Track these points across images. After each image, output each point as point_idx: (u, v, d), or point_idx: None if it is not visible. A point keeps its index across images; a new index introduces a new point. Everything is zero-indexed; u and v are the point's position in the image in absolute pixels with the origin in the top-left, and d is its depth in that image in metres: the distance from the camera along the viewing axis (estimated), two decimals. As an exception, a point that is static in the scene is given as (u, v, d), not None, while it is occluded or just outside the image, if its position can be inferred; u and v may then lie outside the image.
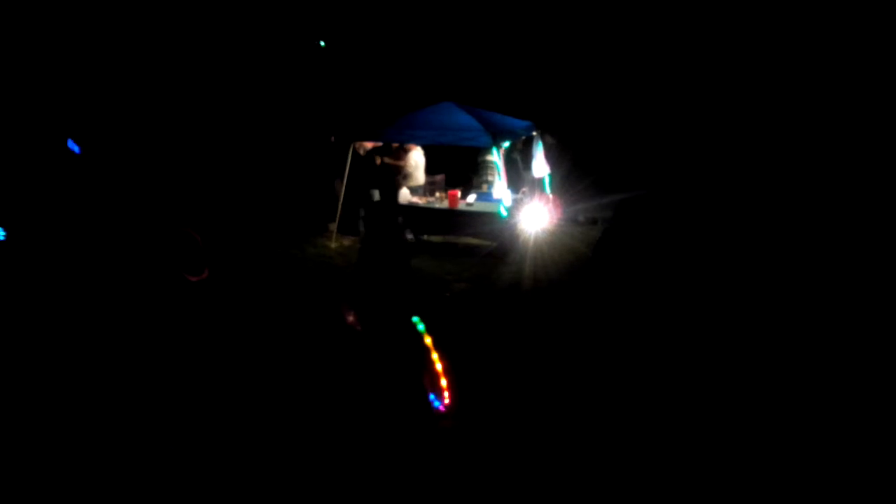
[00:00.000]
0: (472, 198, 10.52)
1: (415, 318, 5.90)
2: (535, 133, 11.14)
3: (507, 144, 10.65)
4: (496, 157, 10.08)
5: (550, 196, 11.37)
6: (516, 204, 10.18)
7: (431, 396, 5.73)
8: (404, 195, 10.47)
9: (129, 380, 5.23)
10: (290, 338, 6.79)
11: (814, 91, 14.23)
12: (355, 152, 10.28)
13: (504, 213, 9.81)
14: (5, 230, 9.51)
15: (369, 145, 10.47)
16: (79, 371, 6.03)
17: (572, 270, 9.30)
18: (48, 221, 10.40)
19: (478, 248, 10.19)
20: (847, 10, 15.27)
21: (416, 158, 10.82)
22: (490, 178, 10.97)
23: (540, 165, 11.14)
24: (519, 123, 11.04)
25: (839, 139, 13.01)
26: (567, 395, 5.86)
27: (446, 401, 5.74)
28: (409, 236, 10.44)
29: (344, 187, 10.26)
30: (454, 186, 10.88)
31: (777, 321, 6.97)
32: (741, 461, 4.81)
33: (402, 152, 10.72)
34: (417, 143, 10.55)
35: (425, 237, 10.62)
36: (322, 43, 13.85)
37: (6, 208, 10.00)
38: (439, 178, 11.18)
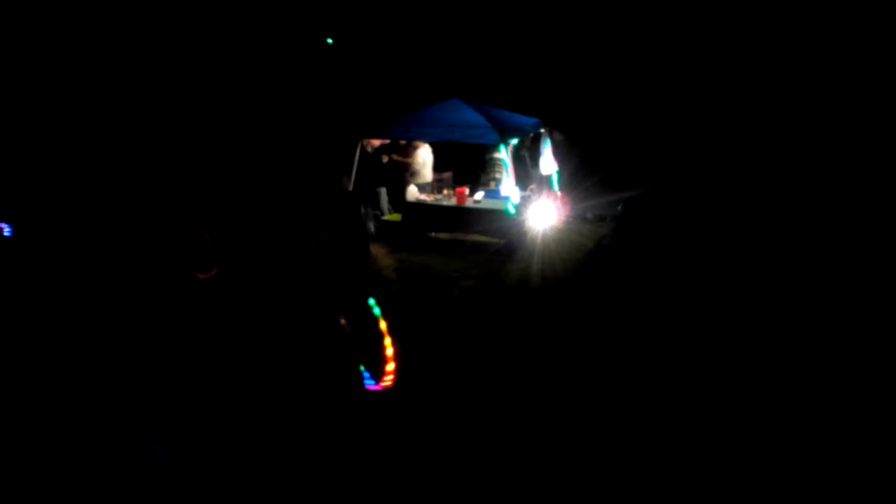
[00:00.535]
0: (479, 195, 10.50)
1: (371, 301, 5.98)
2: (543, 130, 11.13)
3: (515, 142, 10.61)
4: (504, 155, 10.03)
5: (559, 193, 11.34)
6: (524, 201, 10.18)
7: (366, 375, 5.80)
8: (412, 192, 10.47)
9: (134, 377, 5.26)
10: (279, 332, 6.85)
11: (816, 90, 14.13)
12: (363, 150, 10.27)
13: (512, 210, 9.79)
14: (13, 226, 9.55)
15: (377, 143, 10.46)
16: (83, 368, 6.07)
17: (580, 268, 9.28)
18: (55, 217, 10.45)
19: (486, 246, 10.17)
20: (847, 10, 15.17)
21: (424, 155, 10.87)
22: (498, 175, 10.94)
23: (548, 162, 11.12)
24: (527, 120, 11.02)
25: (841, 138, 12.92)
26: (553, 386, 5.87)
27: (385, 382, 5.81)
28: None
29: (352, 185, 10.24)
30: (462, 184, 10.88)
31: (780, 317, 6.95)
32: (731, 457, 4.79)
33: (410, 149, 10.73)
34: (425, 141, 10.56)
35: (433, 234, 10.61)
36: (330, 40, 13.78)
37: (13, 204, 10.04)
38: (447, 175, 11.18)
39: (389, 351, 6.49)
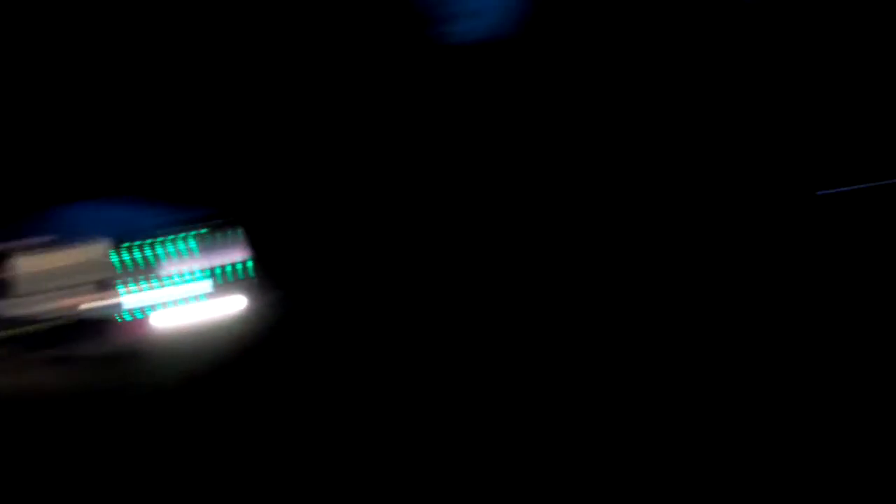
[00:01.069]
0: (124, 298, 10.03)
1: None
2: (220, 221, 10.77)
3: (187, 234, 10.46)
4: (171, 249, 10.13)
5: (242, 282, 10.79)
6: (190, 302, 10.16)
7: None
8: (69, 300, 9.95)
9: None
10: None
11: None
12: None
13: (128, 316, 9.70)
14: None
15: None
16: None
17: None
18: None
19: (109, 356, 9.50)
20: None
21: (92, 253, 10.31)
22: (157, 271, 10.34)
23: (226, 254, 10.73)
24: (196, 212, 10.77)
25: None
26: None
27: None
28: None
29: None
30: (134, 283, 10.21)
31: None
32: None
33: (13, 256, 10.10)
34: (72, 242, 10.26)
35: (55, 350, 9.79)
36: None
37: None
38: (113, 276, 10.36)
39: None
